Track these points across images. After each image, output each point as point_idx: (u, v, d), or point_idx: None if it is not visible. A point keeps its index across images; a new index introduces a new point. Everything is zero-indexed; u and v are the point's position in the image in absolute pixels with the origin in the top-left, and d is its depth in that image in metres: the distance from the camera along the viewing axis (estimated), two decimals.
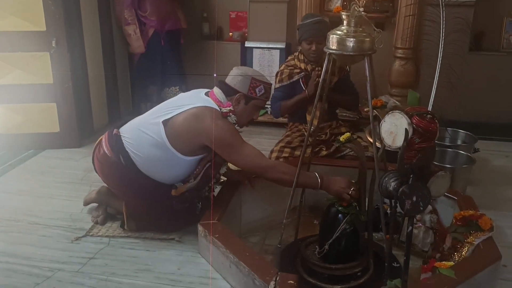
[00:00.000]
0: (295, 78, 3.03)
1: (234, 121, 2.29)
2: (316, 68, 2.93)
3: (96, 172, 2.48)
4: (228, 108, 2.27)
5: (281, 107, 3.06)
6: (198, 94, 2.36)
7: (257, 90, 2.30)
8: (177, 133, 2.23)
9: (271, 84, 2.39)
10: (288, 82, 3.04)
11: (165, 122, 2.24)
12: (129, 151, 2.30)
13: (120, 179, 2.36)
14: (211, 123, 2.17)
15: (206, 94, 2.34)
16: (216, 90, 2.33)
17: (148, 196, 2.34)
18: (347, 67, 3.06)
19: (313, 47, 2.91)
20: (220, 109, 2.26)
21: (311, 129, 2.18)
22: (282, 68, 3.11)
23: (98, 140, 2.46)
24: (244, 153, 2.21)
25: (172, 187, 2.33)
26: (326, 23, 2.89)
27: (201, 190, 2.45)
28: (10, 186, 2.99)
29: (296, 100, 3.00)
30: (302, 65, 3.01)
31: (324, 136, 3.05)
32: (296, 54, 3.10)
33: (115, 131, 2.39)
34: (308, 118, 2.96)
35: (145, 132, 2.29)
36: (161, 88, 4.26)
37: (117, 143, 2.33)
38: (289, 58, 3.16)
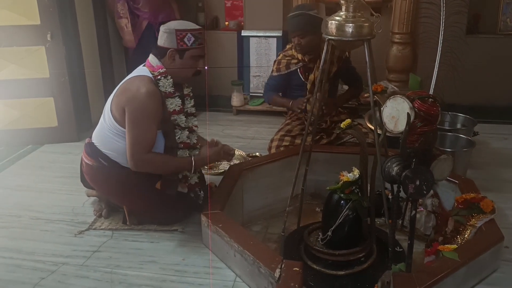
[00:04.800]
0: (293, 68, 3.03)
1: (171, 83, 2.21)
2: (306, 97, 2.91)
3: (89, 187, 2.51)
4: (159, 70, 2.21)
5: (272, 102, 3.16)
6: (138, 67, 2.31)
7: (185, 40, 2.20)
8: (117, 111, 2.20)
9: (200, 28, 2.26)
10: (286, 72, 3.04)
11: (111, 106, 2.24)
12: (105, 153, 2.29)
13: (113, 183, 2.32)
14: (135, 92, 2.13)
15: (144, 64, 2.29)
16: (150, 57, 2.27)
17: (144, 191, 2.33)
18: (346, 53, 3.04)
19: (296, 41, 2.88)
20: (153, 74, 2.21)
21: (311, 119, 2.17)
22: (279, 57, 3.09)
23: (81, 158, 2.43)
24: (137, 135, 2.14)
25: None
26: (308, 16, 2.78)
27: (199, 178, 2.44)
28: (10, 182, 2.99)
29: (282, 103, 3.13)
30: (299, 56, 2.99)
31: (324, 124, 3.05)
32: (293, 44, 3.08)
33: (87, 140, 2.39)
34: (309, 108, 2.95)
35: (104, 122, 2.27)
36: None
37: (92, 150, 2.32)
38: (287, 47, 3.14)
